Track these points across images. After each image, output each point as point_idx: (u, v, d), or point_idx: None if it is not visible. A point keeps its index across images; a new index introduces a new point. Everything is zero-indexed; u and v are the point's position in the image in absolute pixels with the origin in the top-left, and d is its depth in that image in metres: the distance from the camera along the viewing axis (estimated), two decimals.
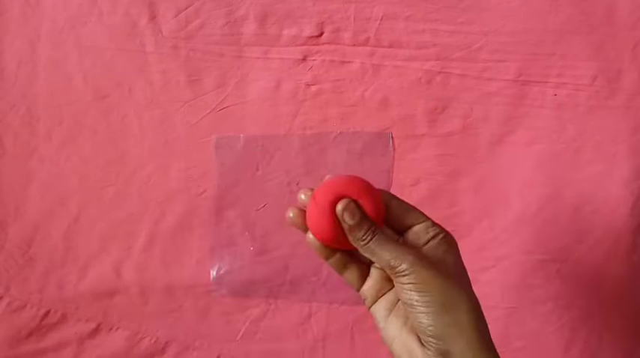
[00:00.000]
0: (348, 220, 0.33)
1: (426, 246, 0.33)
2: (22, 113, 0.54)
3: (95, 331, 0.52)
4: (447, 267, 0.32)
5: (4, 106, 0.54)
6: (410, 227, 0.34)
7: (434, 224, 0.33)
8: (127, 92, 0.53)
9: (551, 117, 0.51)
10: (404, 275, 0.31)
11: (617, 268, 0.50)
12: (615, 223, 0.50)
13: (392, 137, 0.52)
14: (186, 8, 0.52)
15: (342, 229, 0.33)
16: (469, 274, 0.54)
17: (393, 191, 0.53)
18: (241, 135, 0.52)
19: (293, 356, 0.51)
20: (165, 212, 0.53)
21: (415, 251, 0.32)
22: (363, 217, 0.33)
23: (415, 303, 0.31)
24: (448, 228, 0.52)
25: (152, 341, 0.54)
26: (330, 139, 0.52)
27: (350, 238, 0.33)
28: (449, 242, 0.33)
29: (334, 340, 0.51)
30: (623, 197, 0.50)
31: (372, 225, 0.33)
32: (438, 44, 0.52)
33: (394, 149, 0.52)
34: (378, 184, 0.56)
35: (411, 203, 0.56)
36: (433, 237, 0.33)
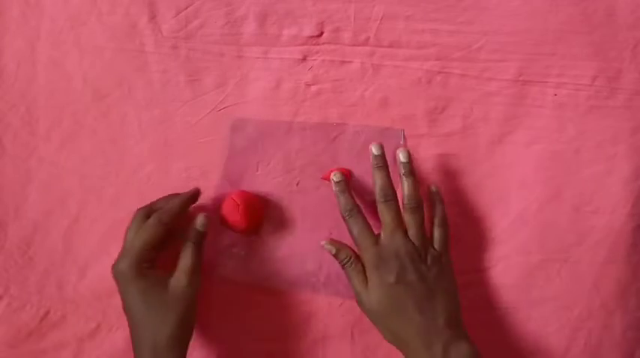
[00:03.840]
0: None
1: None
2: (22, 113, 0.54)
3: (95, 331, 0.52)
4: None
5: (3, 106, 0.54)
6: None
7: None
8: (126, 92, 0.53)
9: (551, 117, 0.51)
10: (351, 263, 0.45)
11: (617, 268, 0.50)
12: (615, 223, 0.50)
13: (404, 135, 0.51)
14: (186, 8, 0.52)
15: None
16: (470, 274, 0.55)
17: None
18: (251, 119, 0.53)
19: (293, 356, 0.51)
20: None
21: (377, 249, 0.43)
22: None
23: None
24: None
25: None
26: (331, 138, 0.52)
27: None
28: None
29: (334, 340, 0.51)
30: (623, 197, 0.50)
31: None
32: (438, 44, 0.52)
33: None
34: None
35: None
36: None
